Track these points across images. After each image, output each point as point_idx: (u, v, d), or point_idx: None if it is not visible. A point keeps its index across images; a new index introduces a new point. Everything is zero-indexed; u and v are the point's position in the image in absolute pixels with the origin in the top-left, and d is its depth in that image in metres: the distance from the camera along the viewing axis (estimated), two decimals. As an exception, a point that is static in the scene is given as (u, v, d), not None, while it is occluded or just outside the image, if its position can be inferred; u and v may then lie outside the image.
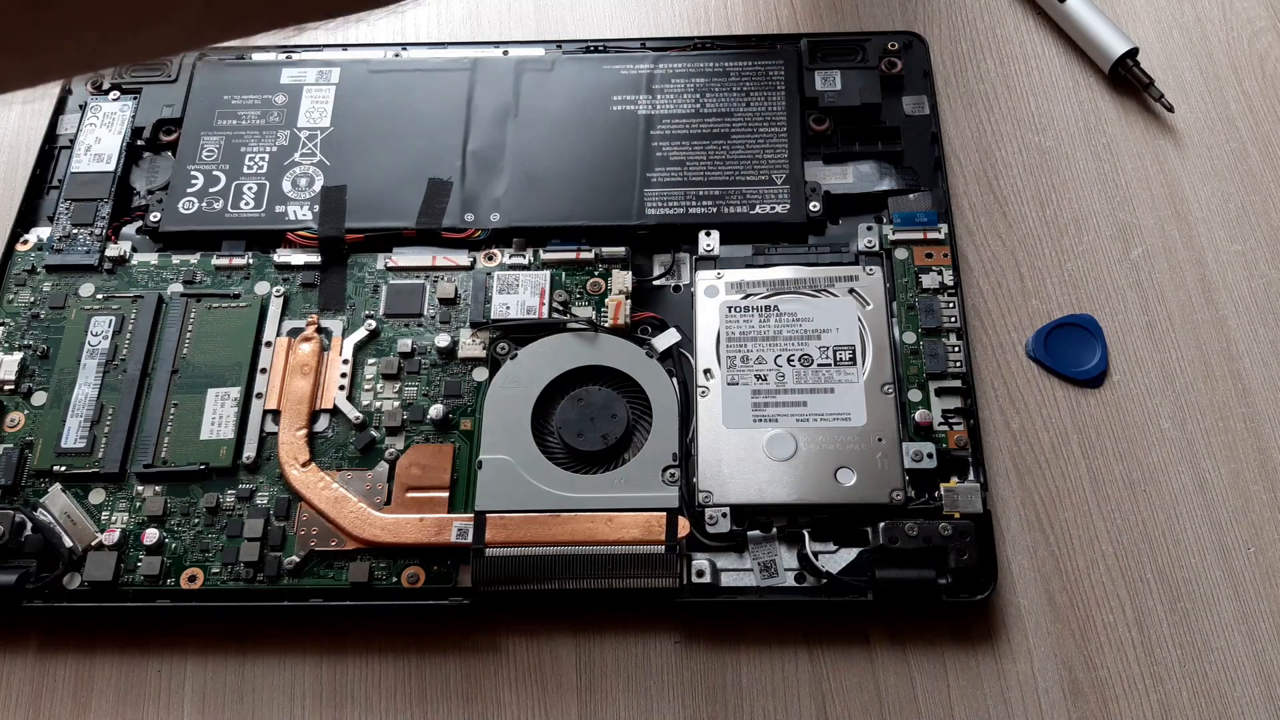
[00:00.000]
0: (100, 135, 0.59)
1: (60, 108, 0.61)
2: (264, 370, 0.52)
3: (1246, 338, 0.54)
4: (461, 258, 0.55)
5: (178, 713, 0.47)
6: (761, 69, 0.60)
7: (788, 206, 0.55)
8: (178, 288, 0.55)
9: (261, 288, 0.55)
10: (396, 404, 0.52)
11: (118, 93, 0.61)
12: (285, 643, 0.48)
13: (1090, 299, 0.55)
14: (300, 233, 0.56)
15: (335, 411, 0.51)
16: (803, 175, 0.56)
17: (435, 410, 0.51)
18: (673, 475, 0.48)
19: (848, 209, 0.56)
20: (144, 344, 0.53)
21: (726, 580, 0.47)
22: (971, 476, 0.49)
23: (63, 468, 0.50)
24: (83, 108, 0.60)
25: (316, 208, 0.56)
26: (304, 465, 0.50)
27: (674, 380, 0.51)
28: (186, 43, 0.31)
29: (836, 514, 0.48)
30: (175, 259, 0.56)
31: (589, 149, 0.57)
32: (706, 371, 0.51)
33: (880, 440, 0.49)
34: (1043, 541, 0.50)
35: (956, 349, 0.51)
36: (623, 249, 0.55)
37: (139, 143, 0.59)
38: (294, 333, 0.54)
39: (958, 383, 0.50)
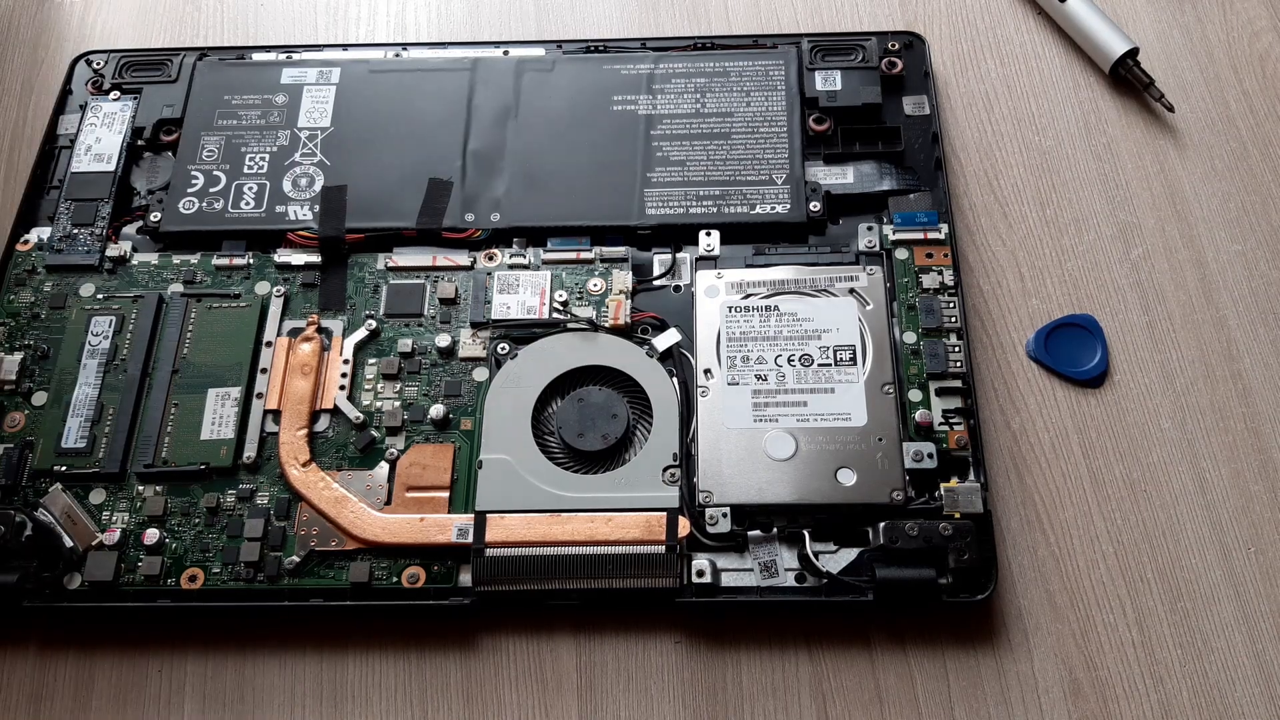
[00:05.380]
0: (100, 135, 0.59)
1: (60, 108, 0.61)
2: (264, 370, 0.52)
3: (1246, 338, 0.54)
4: (461, 258, 0.55)
5: (178, 713, 0.47)
6: (761, 69, 0.60)
7: (788, 206, 0.55)
8: (178, 288, 0.55)
9: (262, 288, 0.55)
10: (396, 404, 0.52)
11: (118, 93, 0.61)
12: (285, 643, 0.48)
13: (1090, 299, 0.55)
14: (300, 233, 0.56)
15: (335, 411, 0.51)
16: (803, 175, 0.56)
17: (435, 410, 0.51)
18: (673, 475, 0.48)
19: (848, 209, 0.56)
20: (144, 344, 0.53)
21: (727, 580, 0.47)
22: (971, 476, 0.49)
23: (63, 468, 0.50)
24: (83, 108, 0.60)
25: (316, 208, 0.56)
26: (304, 465, 0.50)
27: (674, 380, 0.51)
28: None
29: (836, 514, 0.48)
30: (175, 259, 0.56)
31: (589, 149, 0.57)
32: (707, 371, 0.51)
33: (880, 440, 0.49)
34: (1043, 541, 0.50)
35: (957, 349, 0.51)
36: (623, 249, 0.55)
37: (139, 143, 0.59)
38: (294, 333, 0.54)
39: (958, 383, 0.50)
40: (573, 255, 0.55)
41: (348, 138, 0.58)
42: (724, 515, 0.47)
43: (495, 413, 0.51)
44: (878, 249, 0.54)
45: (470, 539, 0.47)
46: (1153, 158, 0.59)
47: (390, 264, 0.55)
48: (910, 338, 0.51)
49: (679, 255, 0.55)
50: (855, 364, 0.51)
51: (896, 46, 0.60)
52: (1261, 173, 0.59)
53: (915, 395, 0.50)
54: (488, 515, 0.48)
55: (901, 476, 0.48)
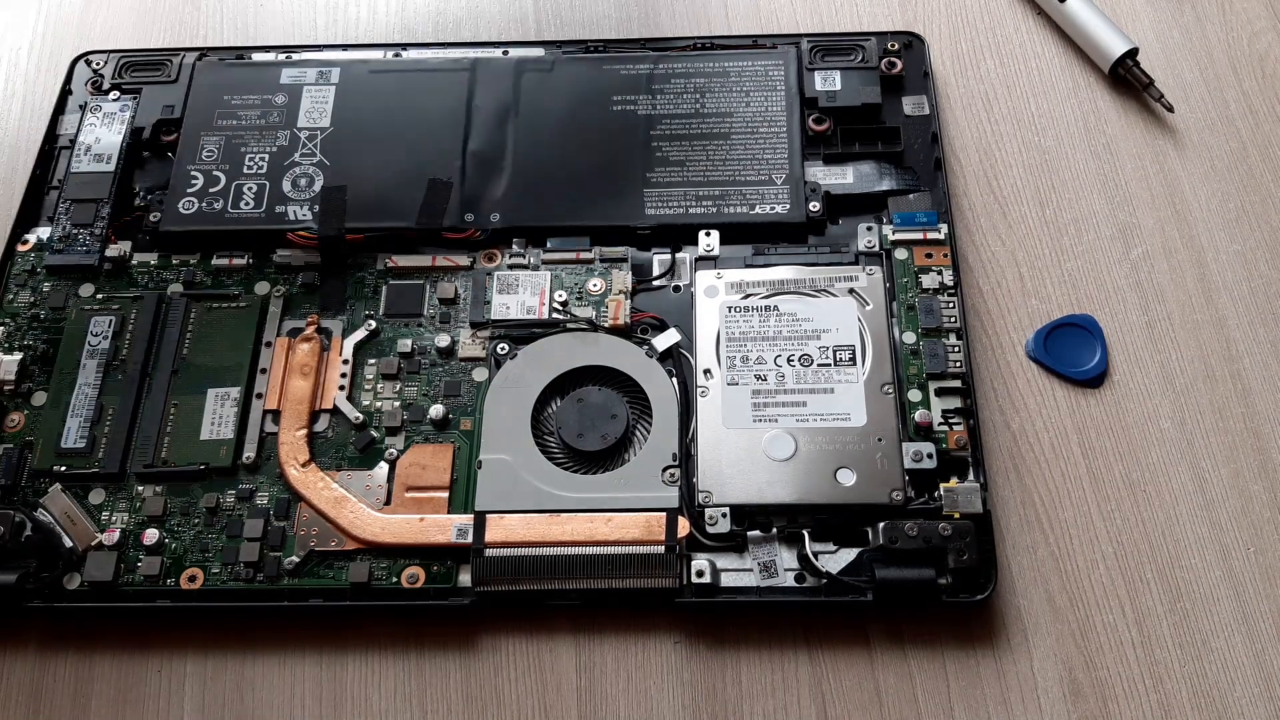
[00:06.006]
0: (100, 135, 0.59)
1: (60, 108, 0.61)
2: (264, 370, 0.52)
3: (1246, 338, 0.54)
4: (461, 258, 0.55)
5: (178, 713, 0.47)
6: (761, 69, 0.60)
7: (788, 206, 0.55)
8: (178, 288, 0.55)
9: (261, 288, 0.55)
10: (396, 404, 0.52)
11: (118, 93, 0.61)
12: (285, 643, 0.48)
13: (1090, 299, 0.55)
14: (300, 233, 0.56)
15: (335, 411, 0.51)
16: (803, 175, 0.56)
17: (435, 410, 0.51)
18: (673, 475, 0.48)
19: (848, 209, 0.56)
20: (144, 344, 0.53)
21: (726, 580, 0.47)
22: (971, 476, 0.49)
23: (63, 468, 0.50)
24: (83, 108, 0.60)
25: (316, 208, 0.56)
26: (304, 465, 0.50)
27: (674, 380, 0.51)
28: None
29: (836, 514, 0.48)
30: (175, 259, 0.56)
31: (589, 149, 0.57)
32: (706, 371, 0.51)
33: (880, 440, 0.49)
34: (1042, 541, 0.50)
35: (956, 349, 0.51)
36: (622, 249, 0.55)
37: (139, 143, 0.59)
38: (294, 333, 0.54)
39: (957, 383, 0.50)
40: (572, 255, 0.55)
41: (347, 138, 0.58)
42: (723, 515, 0.47)
43: (495, 413, 0.51)
44: (877, 249, 0.54)
45: (470, 539, 0.47)
46: (1152, 158, 0.59)
47: (390, 264, 0.55)
48: (910, 338, 0.51)
49: (678, 255, 0.55)
50: (855, 364, 0.51)
51: (896, 46, 0.60)
52: (1261, 173, 0.59)
53: (915, 395, 0.50)
54: (487, 515, 0.48)
55: (901, 476, 0.48)
